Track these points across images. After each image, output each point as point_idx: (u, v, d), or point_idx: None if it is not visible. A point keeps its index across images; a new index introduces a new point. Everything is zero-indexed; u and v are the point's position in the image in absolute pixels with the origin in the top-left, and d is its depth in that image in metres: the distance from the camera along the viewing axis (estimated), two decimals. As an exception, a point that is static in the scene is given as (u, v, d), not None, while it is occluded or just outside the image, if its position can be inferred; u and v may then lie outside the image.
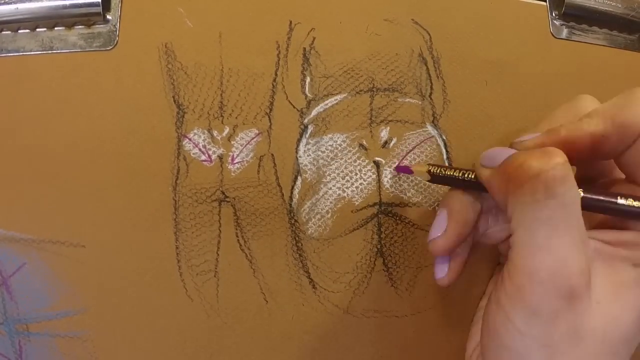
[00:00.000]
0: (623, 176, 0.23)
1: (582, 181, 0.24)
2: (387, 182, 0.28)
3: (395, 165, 0.28)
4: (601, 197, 0.21)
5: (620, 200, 0.21)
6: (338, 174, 0.28)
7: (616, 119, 0.20)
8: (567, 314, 0.19)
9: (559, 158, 0.19)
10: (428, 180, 0.26)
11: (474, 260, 0.28)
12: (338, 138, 0.28)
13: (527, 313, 0.19)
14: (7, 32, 0.27)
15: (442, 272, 0.24)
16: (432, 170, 0.25)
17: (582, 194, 0.20)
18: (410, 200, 0.28)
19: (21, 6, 0.27)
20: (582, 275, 0.19)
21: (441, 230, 0.23)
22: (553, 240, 0.19)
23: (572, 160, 0.20)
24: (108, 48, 0.27)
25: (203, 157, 0.27)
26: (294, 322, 0.27)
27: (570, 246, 0.19)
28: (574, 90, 0.26)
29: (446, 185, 0.27)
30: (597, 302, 0.19)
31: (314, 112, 0.28)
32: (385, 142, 0.29)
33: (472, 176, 0.23)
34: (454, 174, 0.24)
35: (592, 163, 0.25)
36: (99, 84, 0.27)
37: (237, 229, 0.27)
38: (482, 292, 0.27)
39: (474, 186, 0.23)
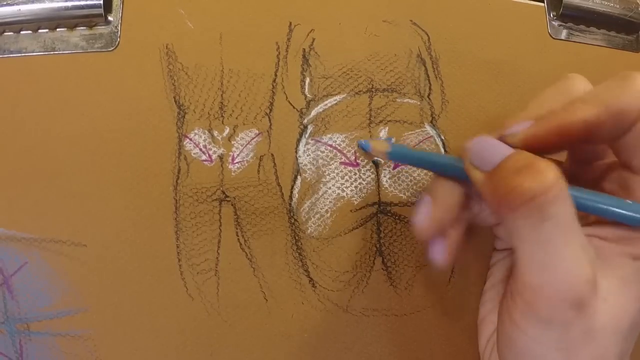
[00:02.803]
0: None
1: (576, 164, 0.24)
2: (386, 181, 0.29)
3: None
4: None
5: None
6: (337, 173, 0.28)
7: (611, 105, 0.19)
8: (579, 320, 0.19)
9: (551, 175, 0.18)
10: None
11: (471, 257, 0.28)
12: (337, 138, 0.29)
13: (540, 325, 0.19)
14: (9, 33, 0.28)
15: (437, 253, 0.23)
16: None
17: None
18: (409, 200, 0.29)
19: (24, 7, 0.27)
20: (587, 282, 0.19)
21: (423, 215, 0.23)
22: (554, 257, 0.18)
23: (565, 146, 0.19)
24: (109, 49, 0.28)
25: (204, 157, 0.28)
26: (294, 320, 0.27)
27: (572, 259, 0.18)
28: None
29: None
30: (604, 299, 0.19)
31: (313, 113, 0.29)
32: (384, 142, 0.29)
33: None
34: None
35: (585, 146, 0.24)
36: (100, 84, 0.27)
37: (237, 228, 0.27)
38: (480, 290, 0.27)
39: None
